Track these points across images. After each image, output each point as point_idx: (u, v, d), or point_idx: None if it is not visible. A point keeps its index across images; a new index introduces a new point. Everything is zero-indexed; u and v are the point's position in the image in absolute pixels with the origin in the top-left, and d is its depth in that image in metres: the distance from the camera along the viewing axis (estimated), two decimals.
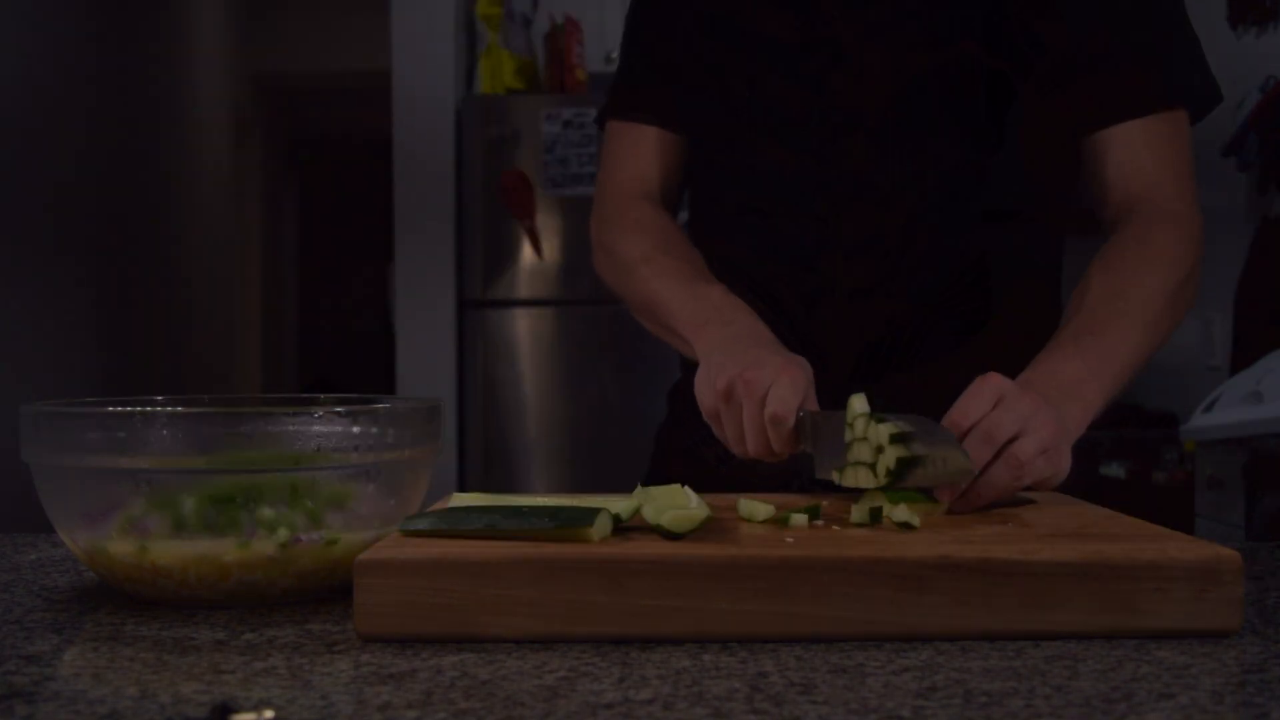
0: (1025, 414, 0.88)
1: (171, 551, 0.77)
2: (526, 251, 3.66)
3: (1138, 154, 1.11)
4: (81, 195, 3.77)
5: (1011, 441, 0.87)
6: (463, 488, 3.62)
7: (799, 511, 0.83)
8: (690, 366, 1.26)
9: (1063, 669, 0.65)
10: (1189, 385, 3.41)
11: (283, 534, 0.78)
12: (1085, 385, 0.97)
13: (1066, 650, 0.68)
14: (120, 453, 0.77)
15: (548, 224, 3.65)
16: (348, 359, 8.35)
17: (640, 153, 1.27)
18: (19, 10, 3.26)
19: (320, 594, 0.82)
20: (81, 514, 0.80)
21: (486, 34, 3.85)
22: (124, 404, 0.82)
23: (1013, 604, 0.70)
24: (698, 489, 0.98)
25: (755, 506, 0.84)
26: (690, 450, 1.24)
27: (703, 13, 1.19)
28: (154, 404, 0.86)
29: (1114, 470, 3.30)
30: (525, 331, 3.69)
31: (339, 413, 0.81)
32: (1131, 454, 3.34)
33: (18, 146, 3.27)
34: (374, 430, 0.82)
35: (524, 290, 3.68)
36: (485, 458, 3.66)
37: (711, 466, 1.19)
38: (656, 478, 1.25)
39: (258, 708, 0.58)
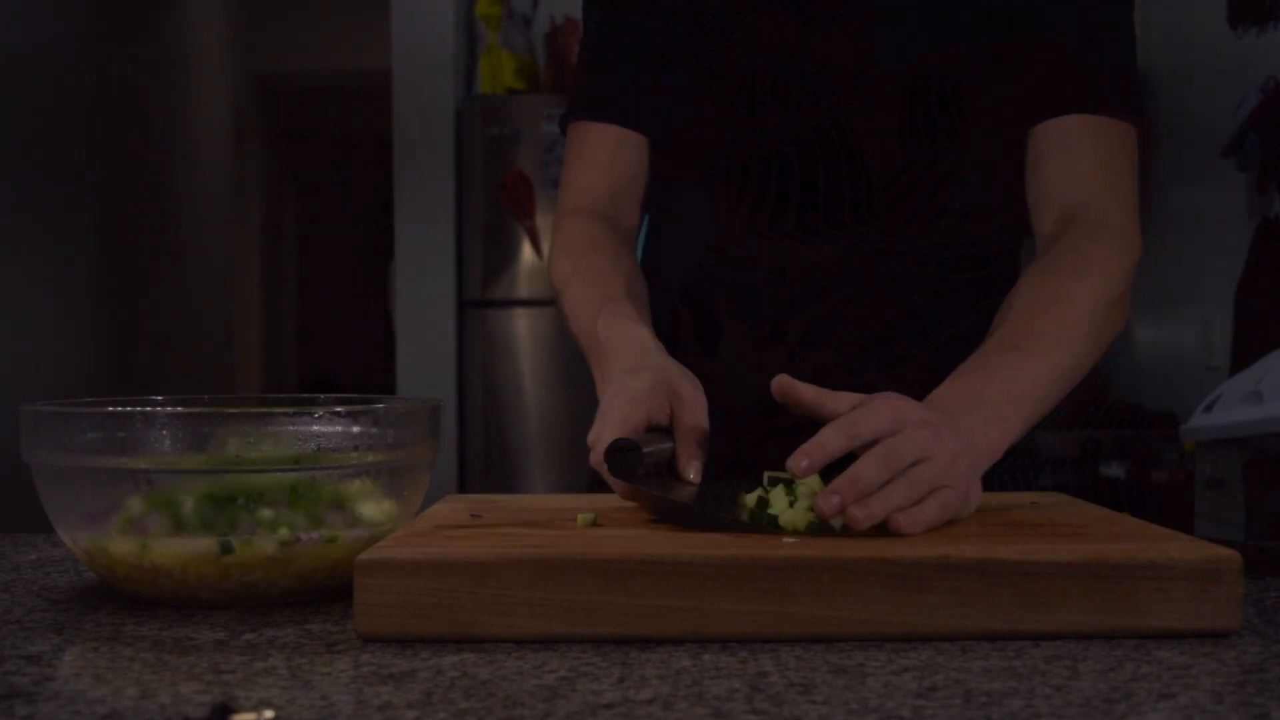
0: (923, 445, 0.82)
1: (171, 551, 0.77)
2: (526, 251, 3.67)
3: (1081, 158, 1.08)
4: (82, 195, 3.77)
5: (914, 465, 0.82)
6: (463, 488, 3.62)
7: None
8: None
9: (1063, 669, 0.65)
10: (1189, 385, 3.41)
11: (283, 534, 0.78)
12: (1006, 408, 0.92)
13: (1066, 650, 0.69)
14: (120, 453, 0.77)
15: (547, 224, 3.65)
16: (348, 359, 8.35)
17: (592, 158, 1.20)
18: (19, 10, 3.26)
19: (320, 594, 0.82)
20: (81, 514, 0.80)
21: (486, 34, 3.85)
22: (124, 404, 0.82)
23: (1013, 604, 0.70)
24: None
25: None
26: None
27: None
28: (154, 404, 0.86)
29: (1114, 470, 3.30)
30: (525, 331, 3.69)
31: (339, 413, 0.81)
32: (1131, 454, 3.34)
33: (18, 145, 3.27)
34: (374, 430, 0.82)
35: (524, 290, 3.68)
36: (485, 458, 3.66)
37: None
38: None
39: (258, 708, 0.58)
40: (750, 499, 0.82)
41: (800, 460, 0.80)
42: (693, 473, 0.90)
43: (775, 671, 0.64)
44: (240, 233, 6.28)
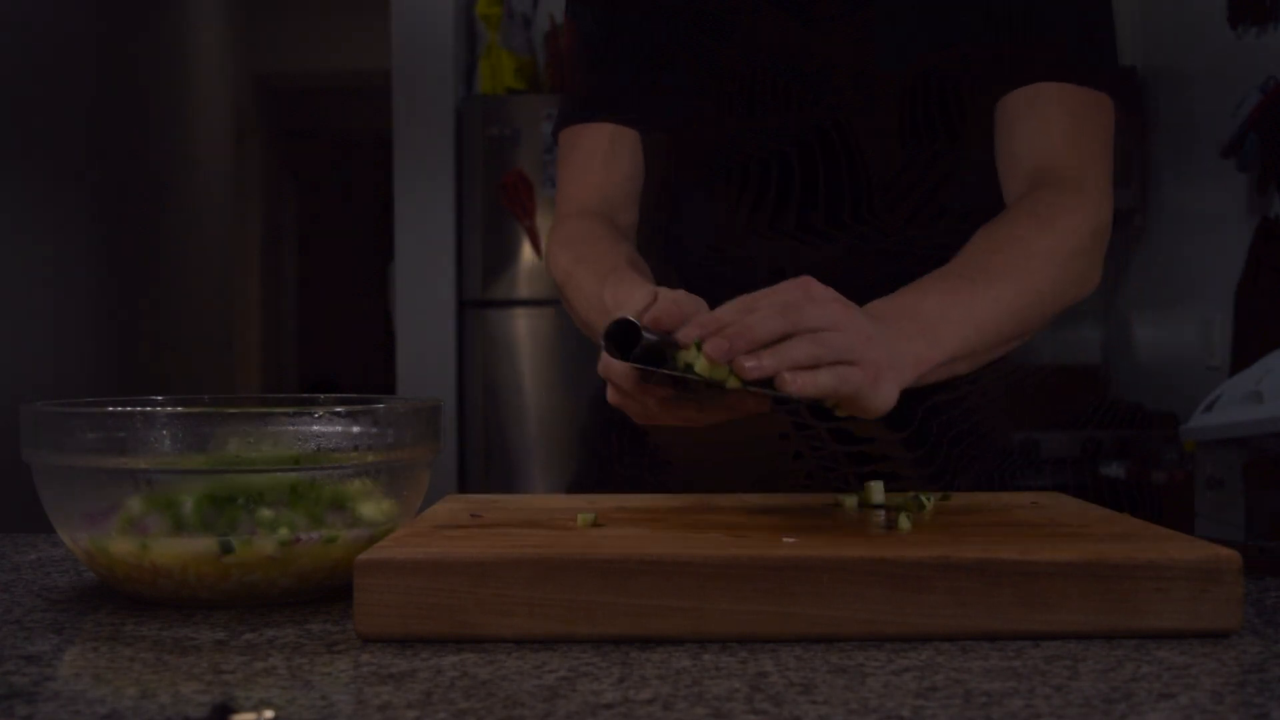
0: (834, 316, 0.78)
1: (171, 551, 0.77)
2: (526, 251, 3.67)
3: (1049, 122, 1.05)
4: (82, 195, 3.77)
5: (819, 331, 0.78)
6: (463, 488, 3.62)
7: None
8: None
9: (1063, 669, 0.65)
10: (1189, 385, 3.41)
11: (283, 534, 0.78)
12: (941, 325, 0.87)
13: (1066, 650, 0.69)
14: (120, 453, 0.77)
15: (548, 224, 3.65)
16: (348, 359, 8.35)
17: (586, 161, 1.19)
18: (19, 9, 3.26)
19: (320, 594, 0.82)
20: (81, 514, 0.80)
21: (486, 34, 3.85)
22: (124, 404, 0.82)
23: (1013, 604, 0.70)
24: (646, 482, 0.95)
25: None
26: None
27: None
28: (154, 404, 0.86)
29: (1114, 470, 3.30)
30: (525, 331, 3.69)
31: (339, 413, 0.81)
32: (1131, 454, 3.34)
33: (18, 145, 3.27)
34: (374, 430, 0.82)
35: (524, 290, 3.68)
36: (485, 458, 3.66)
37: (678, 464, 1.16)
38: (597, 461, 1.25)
39: (258, 708, 0.58)
40: (691, 358, 0.77)
41: (692, 331, 0.77)
42: (701, 342, 0.80)
43: (775, 671, 0.64)
44: (240, 233, 6.28)
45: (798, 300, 0.79)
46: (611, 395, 0.86)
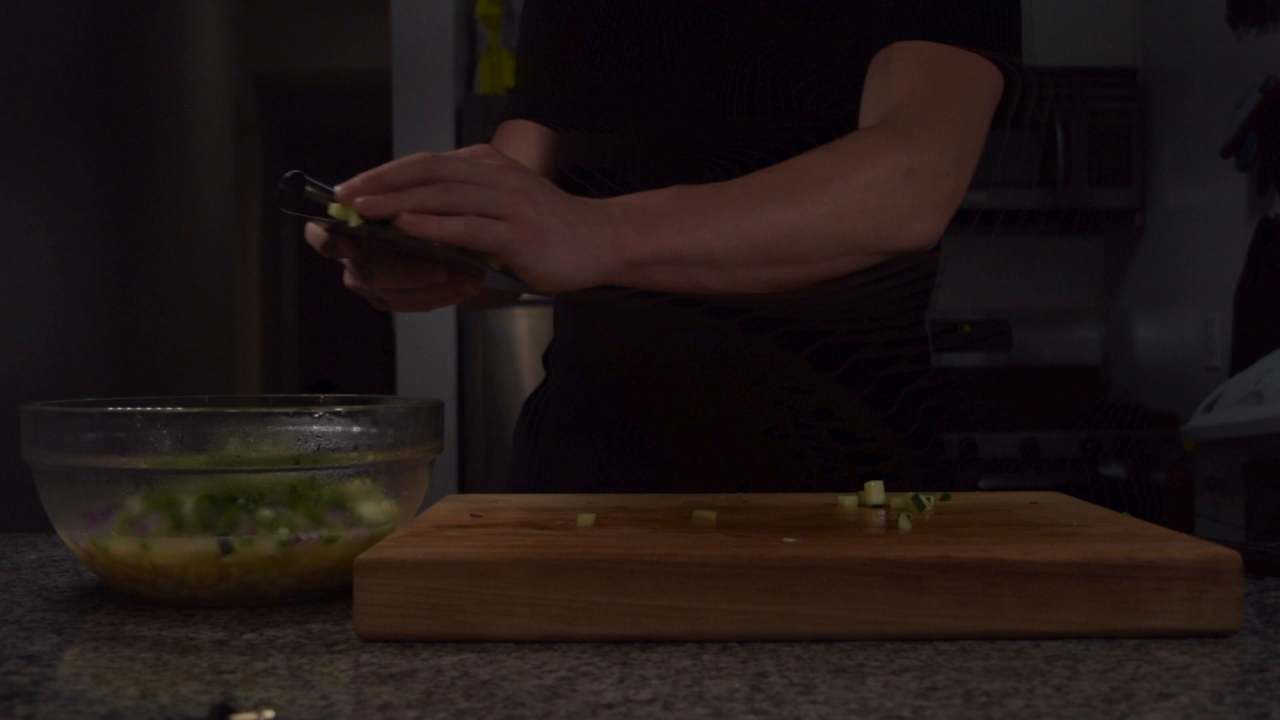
0: (483, 172, 0.77)
1: (171, 551, 0.77)
2: None
3: (897, 78, 1.01)
4: (81, 195, 3.77)
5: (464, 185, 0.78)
6: (463, 488, 3.62)
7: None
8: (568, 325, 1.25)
9: (1063, 669, 0.65)
10: (1189, 385, 3.41)
11: (283, 534, 0.78)
12: (663, 221, 0.84)
13: (1066, 650, 0.69)
14: (120, 453, 0.77)
15: None
16: (348, 359, 8.35)
17: (507, 149, 1.24)
18: (19, 9, 3.26)
19: (320, 594, 0.82)
20: (81, 514, 0.80)
21: (486, 34, 3.85)
22: (124, 404, 0.82)
23: (1013, 604, 0.70)
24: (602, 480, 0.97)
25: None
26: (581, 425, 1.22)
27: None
28: (154, 404, 0.86)
29: (1114, 470, 3.30)
30: (525, 331, 3.68)
31: (339, 413, 0.81)
32: (1131, 454, 3.34)
33: (18, 146, 3.27)
34: (374, 430, 0.82)
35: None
36: (485, 458, 3.66)
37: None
38: (534, 457, 1.24)
39: (258, 708, 0.58)
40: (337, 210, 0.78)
41: (347, 190, 0.77)
42: (338, 187, 0.79)
43: (775, 671, 0.64)
44: (240, 232, 6.29)
45: (448, 155, 0.78)
46: (346, 277, 0.87)
